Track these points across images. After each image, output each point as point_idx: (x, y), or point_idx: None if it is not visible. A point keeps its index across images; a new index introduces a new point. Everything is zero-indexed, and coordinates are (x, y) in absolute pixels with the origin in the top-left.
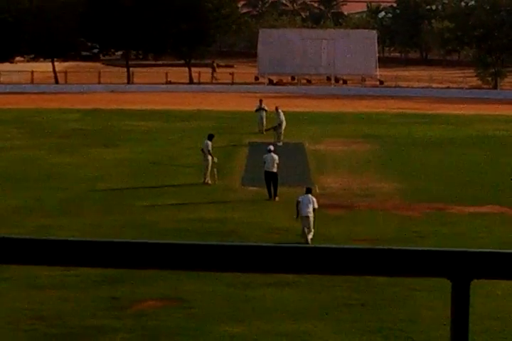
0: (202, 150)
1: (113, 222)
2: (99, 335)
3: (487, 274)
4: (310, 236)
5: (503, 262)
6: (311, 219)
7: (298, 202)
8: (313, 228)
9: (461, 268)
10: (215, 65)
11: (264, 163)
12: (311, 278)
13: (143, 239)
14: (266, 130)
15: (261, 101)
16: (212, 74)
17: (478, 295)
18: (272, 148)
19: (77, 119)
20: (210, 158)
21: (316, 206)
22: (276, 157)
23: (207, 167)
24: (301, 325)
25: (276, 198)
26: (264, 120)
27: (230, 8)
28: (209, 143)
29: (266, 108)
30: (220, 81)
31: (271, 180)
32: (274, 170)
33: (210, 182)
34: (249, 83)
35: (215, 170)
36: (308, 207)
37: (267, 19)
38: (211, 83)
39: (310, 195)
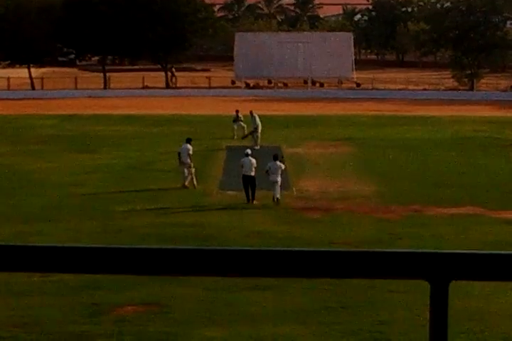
0: (179, 154)
1: (92, 227)
2: None
3: (466, 275)
4: (278, 196)
5: (481, 263)
6: (279, 183)
7: (267, 170)
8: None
9: (440, 270)
10: (173, 69)
11: (242, 166)
12: (291, 282)
13: (122, 244)
14: (243, 137)
15: (237, 111)
16: (170, 79)
17: (456, 296)
18: (249, 151)
19: (54, 125)
20: (190, 161)
21: (283, 168)
22: (253, 161)
23: (186, 171)
24: (281, 328)
25: (255, 202)
26: (244, 129)
27: (206, 12)
28: (189, 146)
29: (242, 119)
30: (196, 85)
31: (249, 183)
32: (252, 173)
33: (188, 185)
34: (226, 87)
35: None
36: (276, 174)
37: (243, 23)
38: (188, 87)
39: (278, 162)
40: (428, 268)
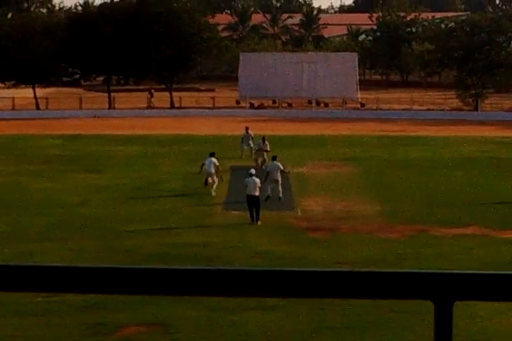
0: (202, 164)
1: (96, 247)
2: None
3: (470, 296)
4: (280, 195)
5: (485, 283)
6: (280, 182)
7: (268, 172)
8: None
9: (444, 290)
10: (152, 90)
11: (246, 186)
12: (295, 302)
13: (127, 264)
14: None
15: (247, 128)
16: (149, 99)
17: (461, 316)
18: (253, 171)
19: (58, 145)
20: (213, 172)
21: (282, 168)
22: (257, 180)
23: (210, 179)
24: None
25: (259, 222)
26: (252, 146)
27: (210, 32)
28: (214, 159)
29: (252, 135)
30: (200, 105)
31: (253, 203)
32: (256, 193)
33: (213, 193)
34: (231, 107)
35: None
36: (277, 172)
37: (247, 43)
38: (192, 107)
39: (276, 162)
40: (432, 289)
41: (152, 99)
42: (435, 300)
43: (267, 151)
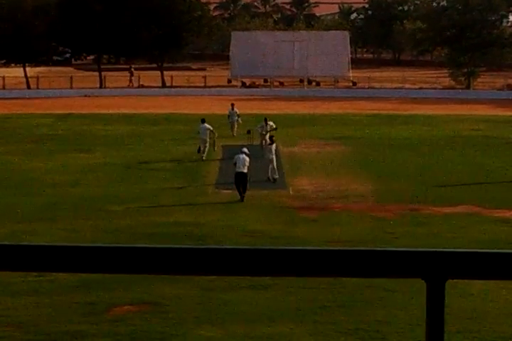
0: (198, 132)
1: (88, 227)
2: None
3: (462, 274)
4: (276, 176)
5: (477, 262)
6: (274, 163)
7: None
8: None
9: (436, 269)
10: (132, 69)
11: (235, 163)
12: (287, 281)
13: (119, 243)
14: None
15: (233, 105)
16: (130, 79)
17: (453, 295)
18: (245, 150)
19: (49, 124)
20: (210, 135)
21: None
22: (247, 158)
23: (205, 144)
24: (277, 327)
25: (245, 199)
26: (236, 124)
27: (201, 10)
28: (207, 125)
29: (238, 112)
30: (192, 84)
31: (240, 180)
32: (245, 170)
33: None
34: (222, 86)
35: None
36: (271, 153)
37: (239, 22)
38: (184, 86)
39: (274, 144)
40: (424, 267)
41: (132, 78)
42: (427, 279)
43: (271, 136)
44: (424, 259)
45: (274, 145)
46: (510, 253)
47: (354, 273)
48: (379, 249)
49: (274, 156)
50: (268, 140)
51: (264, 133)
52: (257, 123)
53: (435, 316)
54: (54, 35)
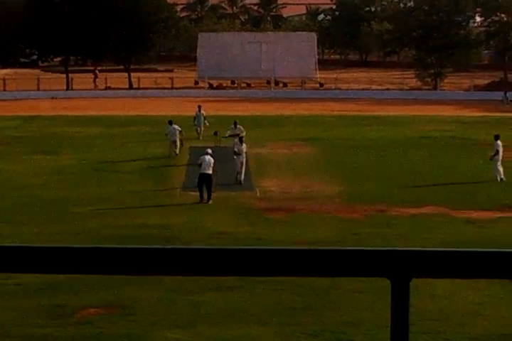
0: (166, 134)
1: (55, 229)
2: None
3: (426, 273)
4: (242, 177)
5: (441, 260)
6: (243, 165)
7: (234, 151)
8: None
9: (400, 267)
10: (96, 71)
11: (200, 165)
12: (254, 282)
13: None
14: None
15: (199, 107)
16: (94, 80)
17: (419, 296)
18: (209, 150)
19: (16, 126)
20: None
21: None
22: (212, 160)
23: (175, 142)
24: (243, 329)
25: (210, 201)
26: (202, 126)
27: (168, 12)
28: (176, 127)
29: (204, 114)
30: (159, 85)
31: (204, 181)
32: (209, 172)
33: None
34: (189, 87)
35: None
36: (242, 155)
37: (206, 23)
38: (151, 88)
39: (244, 144)
40: (388, 266)
41: (96, 80)
42: (392, 278)
43: (241, 137)
44: (388, 258)
45: (244, 146)
46: (473, 251)
47: (320, 273)
48: (344, 248)
49: (244, 158)
50: (238, 141)
51: (232, 135)
52: (226, 126)
53: (400, 314)
54: (21, 36)
